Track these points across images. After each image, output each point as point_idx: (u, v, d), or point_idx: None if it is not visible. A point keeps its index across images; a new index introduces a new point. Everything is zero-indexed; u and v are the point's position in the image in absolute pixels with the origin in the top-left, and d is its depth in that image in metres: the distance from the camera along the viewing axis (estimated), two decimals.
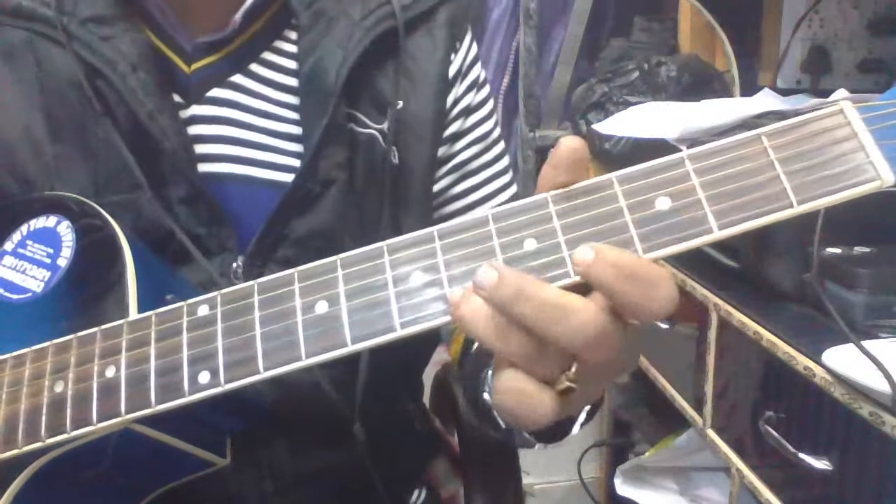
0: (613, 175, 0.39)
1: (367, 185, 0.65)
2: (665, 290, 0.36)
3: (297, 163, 0.63)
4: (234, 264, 0.60)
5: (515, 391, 0.37)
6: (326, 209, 0.62)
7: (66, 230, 0.52)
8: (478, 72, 0.73)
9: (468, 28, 0.72)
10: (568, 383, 0.38)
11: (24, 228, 0.53)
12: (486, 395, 0.58)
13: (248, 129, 0.63)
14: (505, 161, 0.76)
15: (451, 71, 0.69)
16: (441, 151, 0.70)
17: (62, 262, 0.51)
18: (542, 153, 1.73)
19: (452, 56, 0.69)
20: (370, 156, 0.64)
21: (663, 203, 0.38)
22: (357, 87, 0.64)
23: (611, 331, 0.37)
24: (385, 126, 0.65)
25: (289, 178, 0.62)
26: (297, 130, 0.63)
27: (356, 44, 0.62)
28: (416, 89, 0.66)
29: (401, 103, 0.65)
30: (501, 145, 0.76)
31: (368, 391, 0.63)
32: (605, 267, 0.36)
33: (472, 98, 0.72)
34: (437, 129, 0.68)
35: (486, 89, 0.74)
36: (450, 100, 0.69)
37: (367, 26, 0.63)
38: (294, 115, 0.64)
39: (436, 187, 0.71)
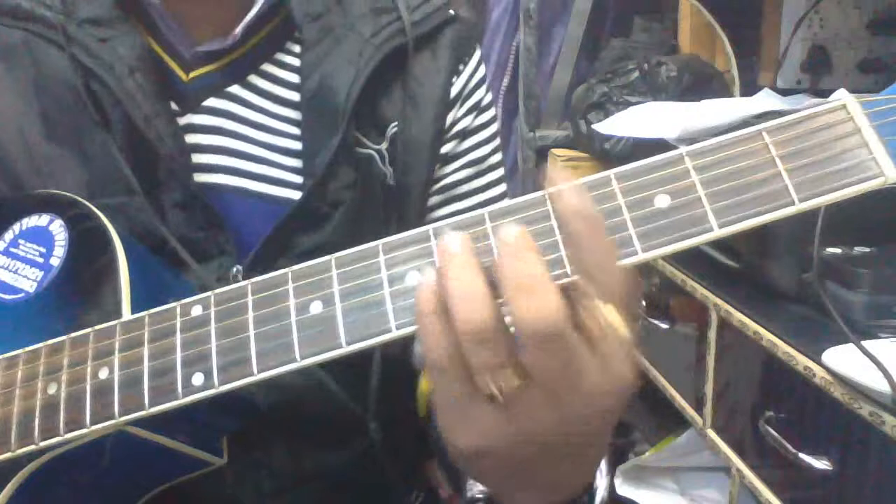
0: (612, 172, 0.39)
1: (364, 203, 0.63)
2: (616, 268, 0.36)
3: (294, 178, 0.62)
4: (234, 269, 0.60)
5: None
6: (333, 228, 0.61)
7: (58, 229, 0.51)
8: (482, 95, 0.71)
9: (475, 49, 0.70)
10: (496, 391, 0.36)
11: (15, 227, 0.52)
12: None
13: (246, 142, 0.61)
14: (499, 189, 0.73)
15: (453, 92, 0.68)
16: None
17: (55, 261, 0.50)
18: (542, 153, 1.73)
19: (454, 78, 0.68)
20: (367, 175, 0.63)
21: (662, 201, 0.38)
22: (361, 106, 0.62)
23: (569, 343, 0.35)
24: (384, 146, 0.64)
25: (286, 192, 0.61)
26: (296, 145, 0.62)
27: (367, 61, 0.61)
28: (417, 112, 0.65)
29: (398, 125, 0.64)
30: (498, 172, 0.73)
31: (380, 390, 0.63)
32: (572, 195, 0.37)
33: (470, 121, 0.70)
34: (434, 151, 0.67)
35: (490, 113, 0.72)
36: (448, 120, 0.68)
37: (377, 44, 0.62)
38: (294, 130, 0.63)
39: None
